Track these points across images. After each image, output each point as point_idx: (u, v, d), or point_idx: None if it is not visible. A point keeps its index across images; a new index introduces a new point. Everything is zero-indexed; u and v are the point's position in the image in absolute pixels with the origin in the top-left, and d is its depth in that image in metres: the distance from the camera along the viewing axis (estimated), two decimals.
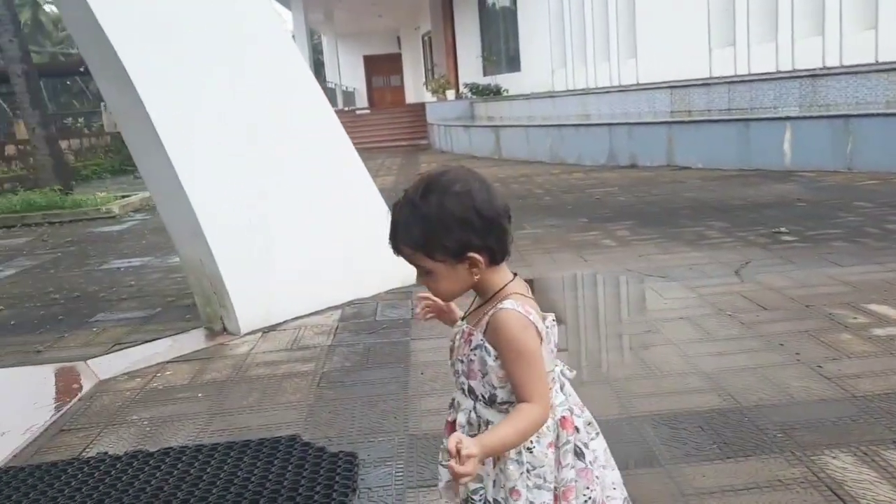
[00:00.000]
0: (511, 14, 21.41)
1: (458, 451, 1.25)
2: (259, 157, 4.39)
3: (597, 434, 1.53)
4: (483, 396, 1.45)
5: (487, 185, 1.41)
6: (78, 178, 16.40)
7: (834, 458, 2.31)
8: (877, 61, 9.86)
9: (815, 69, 10.44)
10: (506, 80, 20.79)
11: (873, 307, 3.74)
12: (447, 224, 1.36)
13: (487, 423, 1.44)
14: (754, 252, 5.16)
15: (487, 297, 1.45)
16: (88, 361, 4.04)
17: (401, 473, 2.48)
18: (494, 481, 1.45)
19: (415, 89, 32.98)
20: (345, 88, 31.65)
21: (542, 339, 1.41)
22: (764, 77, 11.01)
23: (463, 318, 1.53)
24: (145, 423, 3.14)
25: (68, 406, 3.41)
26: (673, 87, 12.22)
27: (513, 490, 1.42)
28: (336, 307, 4.61)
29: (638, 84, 14.37)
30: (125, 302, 5.35)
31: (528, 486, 1.42)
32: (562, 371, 1.53)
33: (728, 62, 12.61)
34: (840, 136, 8.61)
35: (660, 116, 11.88)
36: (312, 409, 3.12)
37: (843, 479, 2.19)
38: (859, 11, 10.41)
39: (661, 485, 2.26)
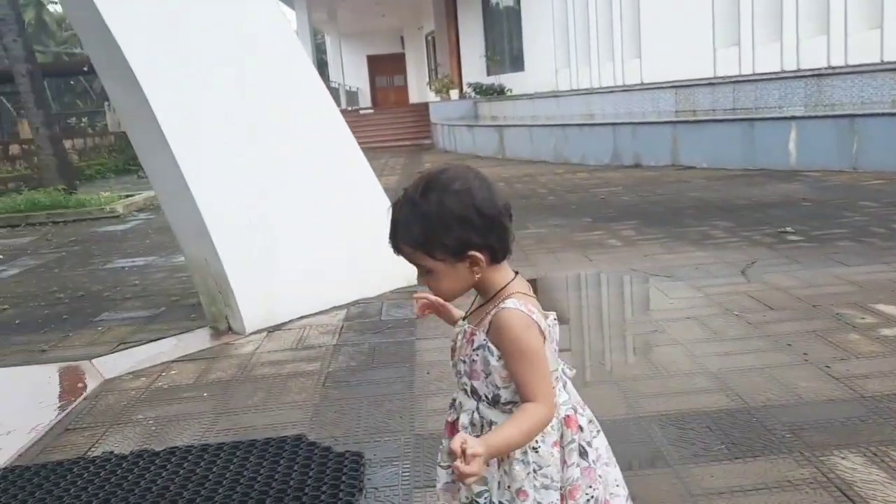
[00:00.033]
0: (515, 13, 21.40)
1: (463, 451, 1.23)
2: (264, 157, 4.39)
3: (598, 432, 1.53)
4: (486, 397, 1.44)
5: (488, 183, 1.40)
6: (82, 178, 16.42)
7: (843, 458, 2.30)
8: (882, 61, 9.83)
9: (820, 69, 10.41)
10: (509, 80, 20.77)
11: (881, 307, 3.72)
12: (447, 222, 1.35)
13: (491, 423, 1.43)
14: (760, 252, 5.14)
15: (489, 296, 1.44)
16: (93, 361, 4.03)
17: (407, 473, 2.47)
18: (499, 483, 1.43)
19: (418, 89, 32.97)
20: (348, 88, 31.65)
21: (545, 338, 1.40)
22: (769, 77, 10.98)
23: (464, 318, 1.52)
24: (151, 422, 3.13)
25: (73, 405, 3.40)
26: (677, 86, 12.19)
27: (519, 491, 1.41)
28: (341, 307, 4.60)
29: (642, 84, 14.34)
30: (129, 301, 5.35)
31: (535, 486, 1.41)
32: (562, 370, 1.53)
33: (733, 62, 12.58)
34: (845, 135, 8.59)
35: (664, 116, 11.86)
36: (318, 408, 3.11)
37: (853, 479, 2.18)
38: (864, 11, 10.38)
39: (670, 485, 2.25)
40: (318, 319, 4.41)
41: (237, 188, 4.27)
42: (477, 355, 1.43)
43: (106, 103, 24.84)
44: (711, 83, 11.72)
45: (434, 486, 1.60)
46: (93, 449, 2.91)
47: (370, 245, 4.50)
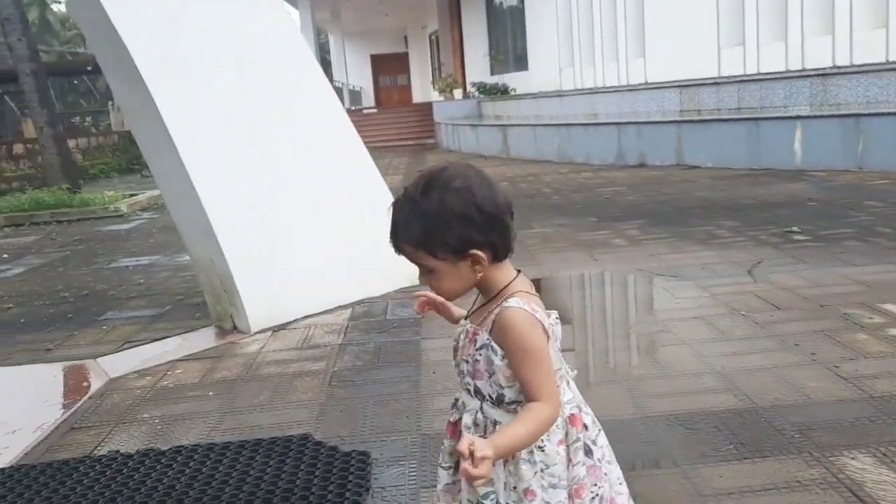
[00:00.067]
0: (518, 13, 21.39)
1: (471, 454, 1.21)
2: (269, 157, 4.38)
3: (599, 430, 1.52)
4: (490, 396, 1.43)
5: (488, 181, 1.39)
6: (85, 177, 16.44)
7: (853, 458, 2.29)
8: (887, 60, 9.80)
9: (825, 68, 10.38)
10: (513, 80, 20.77)
11: (888, 307, 3.70)
12: (448, 220, 1.34)
13: (495, 423, 1.42)
14: (766, 251, 5.12)
15: (491, 295, 1.43)
16: (98, 359, 4.03)
17: (414, 473, 2.46)
18: (505, 483, 1.42)
19: (422, 88, 32.98)
20: (352, 87, 31.65)
21: (548, 337, 1.40)
22: (774, 76, 10.96)
23: (466, 317, 1.51)
24: (156, 421, 3.13)
25: (79, 404, 3.40)
26: (682, 86, 12.17)
27: (527, 491, 1.39)
28: (346, 306, 4.59)
29: (646, 83, 14.32)
30: (134, 300, 5.35)
31: (542, 485, 1.40)
32: (565, 369, 1.52)
33: (737, 61, 12.56)
34: (851, 135, 8.56)
35: (669, 116, 11.83)
36: (324, 407, 3.10)
37: (863, 480, 2.17)
38: (869, 10, 10.35)
39: (678, 485, 2.23)
40: (322, 319, 4.40)
41: (242, 188, 4.27)
42: (480, 355, 1.41)
43: (110, 102, 24.88)
44: (716, 83, 11.69)
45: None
46: (98, 448, 2.90)
47: (375, 244, 4.48)
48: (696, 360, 3.24)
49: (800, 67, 11.16)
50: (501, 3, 23.09)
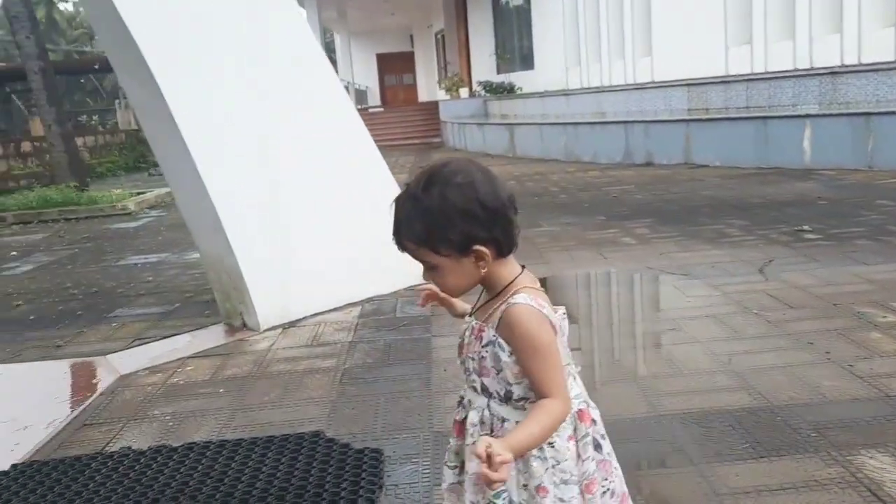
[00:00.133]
0: (525, 12, 21.35)
1: (489, 456, 1.19)
2: (278, 154, 4.37)
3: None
4: (498, 393, 1.42)
5: (491, 176, 1.37)
6: (93, 176, 16.47)
7: (871, 458, 2.27)
8: None
9: (833, 67, 10.33)
10: (519, 78, 20.73)
11: None
12: (450, 216, 1.32)
13: (503, 420, 1.41)
14: (777, 250, 5.10)
15: (496, 291, 1.41)
16: (108, 356, 4.03)
17: (427, 471, 2.45)
18: (516, 481, 1.40)
19: (427, 87, 32.94)
20: (357, 87, 31.64)
21: (556, 332, 1.38)
22: (782, 75, 10.91)
23: (471, 314, 1.49)
24: (167, 418, 3.12)
25: (90, 401, 3.40)
26: (690, 84, 12.13)
27: (539, 487, 1.38)
28: (355, 303, 4.59)
29: (653, 82, 14.28)
30: (143, 298, 5.35)
31: (554, 482, 1.38)
32: (572, 365, 1.50)
33: (745, 60, 12.52)
34: (861, 134, 8.52)
35: (676, 114, 11.80)
36: (335, 405, 3.09)
37: (882, 479, 2.15)
38: (878, 9, 10.30)
39: (694, 484, 2.22)
40: (332, 316, 4.40)
41: (253, 184, 4.26)
42: (486, 351, 1.40)
43: (116, 101, 24.96)
44: (724, 81, 11.66)
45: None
46: (110, 444, 2.90)
47: (383, 242, 4.48)
48: (708, 359, 3.22)
49: (808, 66, 11.12)
50: (507, 2, 23.05)
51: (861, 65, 10.14)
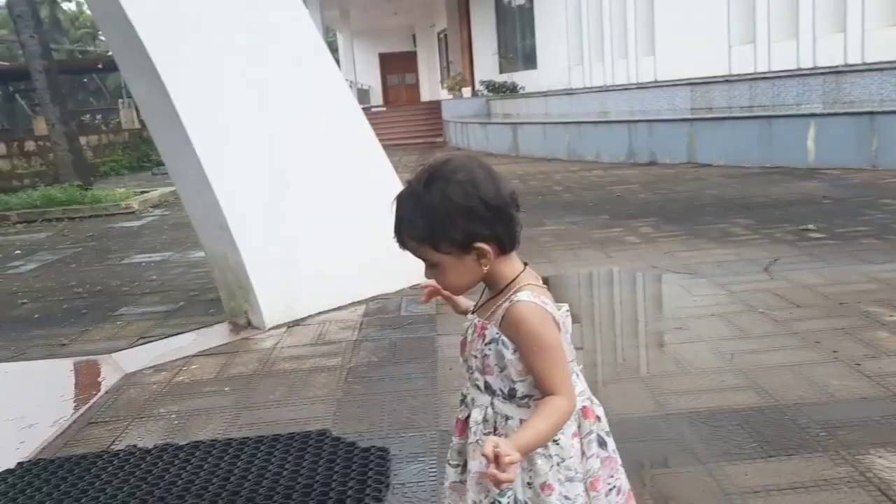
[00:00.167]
0: (527, 11, 21.33)
1: (496, 456, 1.18)
2: (284, 153, 4.37)
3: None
4: (501, 391, 1.41)
5: (492, 173, 1.36)
6: (96, 175, 16.48)
7: (880, 457, 2.26)
8: None
9: (837, 66, 10.31)
10: (522, 78, 20.72)
11: None
12: (451, 214, 1.31)
13: (506, 418, 1.40)
14: (782, 249, 5.08)
15: (498, 288, 1.40)
16: (114, 355, 4.03)
17: (433, 469, 2.44)
18: (521, 479, 1.39)
19: (430, 87, 32.94)
20: (360, 86, 31.63)
21: (560, 330, 1.38)
22: (786, 74, 10.89)
23: (473, 311, 1.48)
24: (173, 416, 3.12)
25: (95, 399, 3.40)
26: (693, 84, 12.12)
27: (544, 485, 1.37)
28: (360, 302, 4.58)
29: (657, 81, 14.27)
30: (148, 296, 5.35)
31: (559, 479, 1.38)
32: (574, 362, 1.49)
33: (748, 59, 12.49)
34: (865, 133, 8.50)
35: (680, 113, 11.78)
36: (341, 403, 3.09)
37: (892, 479, 2.14)
38: (882, 8, 10.27)
39: (703, 483, 2.21)
40: (337, 315, 4.39)
41: (258, 183, 4.26)
42: (489, 349, 1.39)
43: (120, 100, 24.96)
44: (728, 80, 11.64)
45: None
46: (116, 443, 2.90)
47: (388, 241, 4.49)
48: (715, 358, 3.21)
49: (812, 65, 11.09)
50: (510, 2, 23.03)
51: (865, 64, 10.11)
